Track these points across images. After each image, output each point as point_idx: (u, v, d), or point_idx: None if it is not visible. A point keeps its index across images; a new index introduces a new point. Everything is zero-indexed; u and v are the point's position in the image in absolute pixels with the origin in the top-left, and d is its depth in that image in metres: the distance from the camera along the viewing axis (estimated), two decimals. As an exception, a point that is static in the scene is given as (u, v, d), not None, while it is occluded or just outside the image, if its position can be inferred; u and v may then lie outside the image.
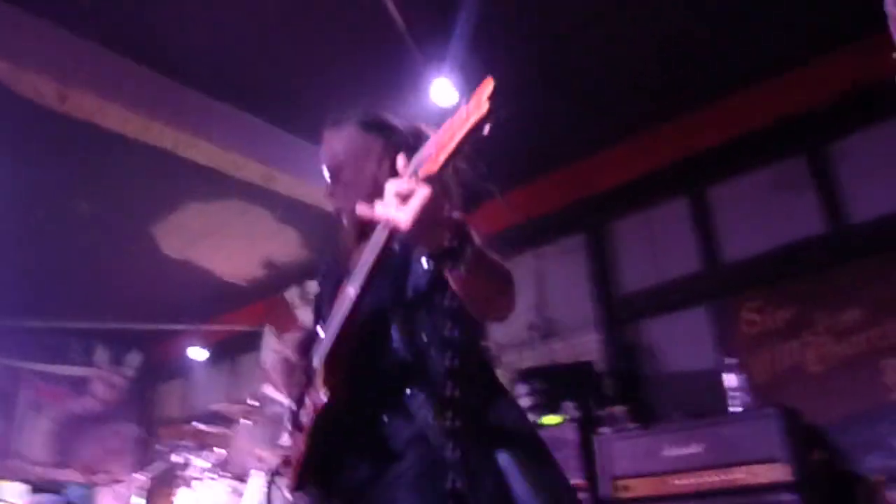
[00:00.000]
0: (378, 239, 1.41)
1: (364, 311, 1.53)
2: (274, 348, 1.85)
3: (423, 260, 1.48)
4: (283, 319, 6.71)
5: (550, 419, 4.06)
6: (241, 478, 4.70)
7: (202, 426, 5.19)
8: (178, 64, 4.30)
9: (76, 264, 6.63)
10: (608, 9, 4.07)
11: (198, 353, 7.80)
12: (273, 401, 4.48)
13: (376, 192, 1.36)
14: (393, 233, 1.35)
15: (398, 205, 1.26)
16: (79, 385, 8.81)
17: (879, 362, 3.82)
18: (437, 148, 1.27)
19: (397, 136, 1.80)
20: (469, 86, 4.16)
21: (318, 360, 1.59)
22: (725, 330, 4.53)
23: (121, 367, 9.13)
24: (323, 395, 1.52)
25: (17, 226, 5.89)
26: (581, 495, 3.67)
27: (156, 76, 4.33)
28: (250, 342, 7.31)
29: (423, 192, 1.25)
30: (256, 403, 4.84)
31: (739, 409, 3.59)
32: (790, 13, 4.08)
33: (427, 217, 1.25)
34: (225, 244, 6.42)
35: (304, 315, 1.75)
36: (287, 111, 4.76)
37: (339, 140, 1.89)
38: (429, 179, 1.27)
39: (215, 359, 7.75)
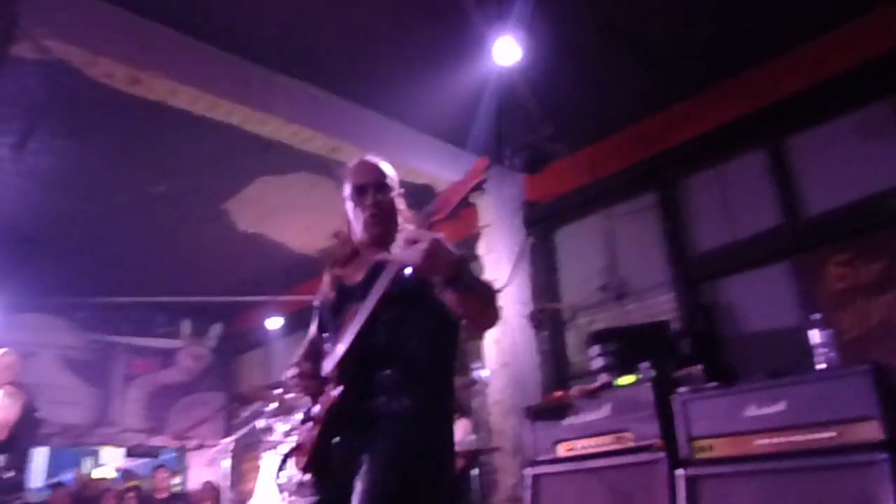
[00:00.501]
0: (389, 271, 1.82)
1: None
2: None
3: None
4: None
5: (624, 379, 4.01)
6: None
7: (282, 393, 5.35)
8: (243, 41, 4.36)
9: (158, 243, 6.92)
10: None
11: (275, 323, 8.05)
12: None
13: (387, 225, 2.05)
14: (404, 267, 1.76)
15: (410, 247, 1.68)
16: (167, 357, 9.26)
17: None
18: (444, 203, 1.80)
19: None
20: (534, 44, 4.10)
21: (331, 363, 1.97)
22: (809, 286, 4.35)
23: (204, 339, 9.53)
24: (335, 391, 1.92)
25: (102, 211, 6.21)
26: (658, 455, 3.62)
27: (222, 54, 4.41)
28: (324, 311, 7.47)
29: (430, 238, 1.67)
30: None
31: (825, 367, 3.45)
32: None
33: (432, 256, 1.66)
34: (296, 217, 6.56)
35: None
36: (350, 82, 4.78)
37: (386, 169, 2.17)
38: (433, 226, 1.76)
39: (291, 328, 7.97)
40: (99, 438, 8.75)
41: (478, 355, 5.62)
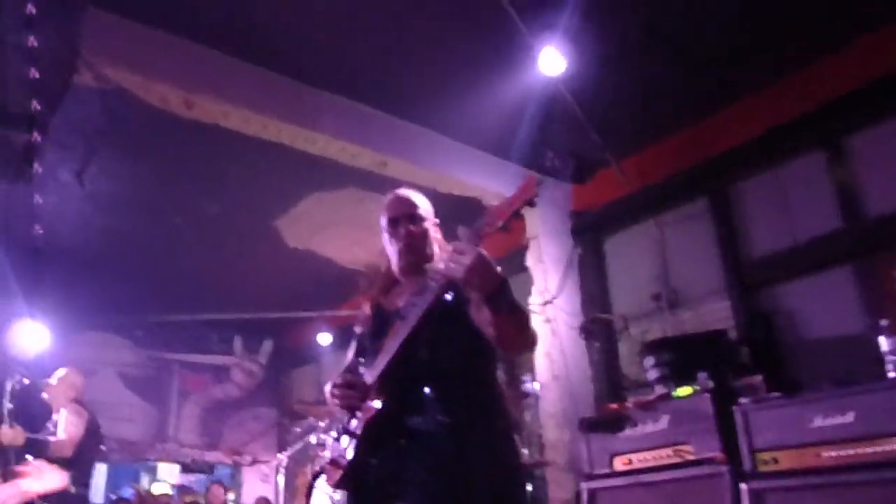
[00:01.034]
0: (432, 291, 1.89)
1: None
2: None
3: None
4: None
5: (682, 391, 3.92)
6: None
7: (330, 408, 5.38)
8: (290, 61, 4.45)
9: (211, 261, 7.08)
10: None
11: (325, 339, 8.12)
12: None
13: (421, 254, 2.14)
14: (450, 279, 1.82)
15: (458, 258, 1.75)
16: (220, 373, 9.42)
17: None
18: (495, 217, 1.83)
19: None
20: (579, 52, 4.07)
21: (371, 377, 2.01)
22: (874, 290, 4.19)
23: (255, 355, 9.66)
24: (377, 404, 1.96)
25: (159, 231, 6.39)
26: (720, 468, 3.52)
27: (270, 75, 4.50)
28: (374, 326, 7.51)
29: (476, 252, 1.75)
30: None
31: (896, 375, 3.31)
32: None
33: (475, 269, 1.73)
34: (344, 233, 6.62)
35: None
36: (396, 97, 4.83)
37: (418, 201, 2.25)
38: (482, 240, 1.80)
39: (341, 343, 8.03)
40: (156, 454, 8.94)
41: (528, 368, 5.57)
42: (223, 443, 9.08)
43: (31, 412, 4.98)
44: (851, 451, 3.15)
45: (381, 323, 2.13)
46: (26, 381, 4.83)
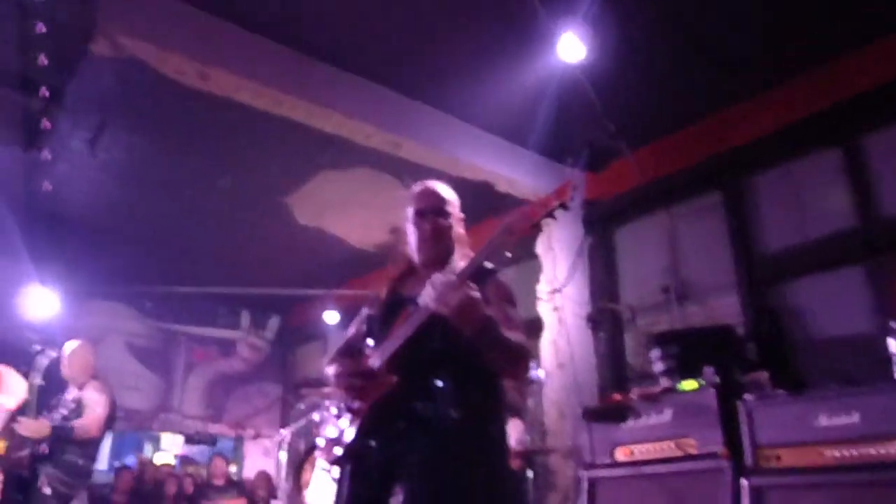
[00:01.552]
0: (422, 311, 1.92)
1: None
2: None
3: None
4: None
5: (687, 384, 3.91)
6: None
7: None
8: (306, 38, 4.42)
9: (222, 235, 7.09)
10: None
11: (332, 317, 8.14)
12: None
13: (444, 247, 2.16)
14: (434, 314, 1.86)
15: (445, 297, 1.81)
16: (227, 347, 9.48)
17: None
18: (525, 218, 1.84)
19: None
20: (598, 40, 4.03)
21: (380, 360, 2.02)
22: (886, 290, 4.16)
23: (262, 331, 9.72)
24: (386, 384, 1.97)
25: (170, 204, 6.40)
26: (722, 463, 3.52)
27: (286, 51, 4.48)
28: (380, 306, 7.52)
29: (463, 293, 1.80)
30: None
31: (903, 377, 3.29)
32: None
33: (462, 311, 1.80)
34: (354, 212, 6.61)
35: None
36: (412, 78, 4.80)
37: (447, 195, 2.27)
38: (517, 234, 1.85)
39: (348, 322, 8.02)
40: (160, 424, 9.02)
41: (534, 355, 5.58)
42: (227, 416, 9.16)
43: (54, 387, 4.95)
44: (855, 451, 3.14)
45: (393, 308, 2.14)
46: (54, 355, 4.78)
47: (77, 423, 4.47)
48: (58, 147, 4.81)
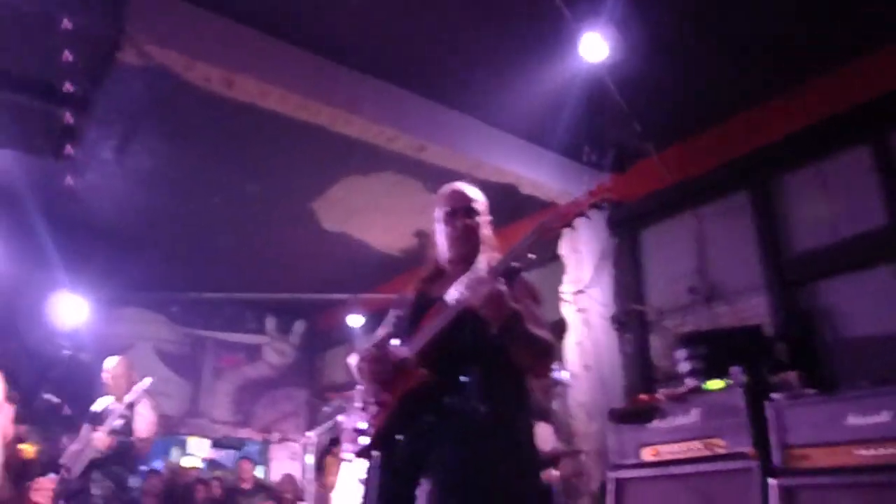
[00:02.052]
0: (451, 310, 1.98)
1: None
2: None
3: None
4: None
5: (714, 384, 3.87)
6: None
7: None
8: (330, 43, 4.46)
9: (248, 241, 7.17)
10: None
11: (357, 322, 8.17)
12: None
13: (472, 246, 2.19)
14: (465, 307, 1.92)
15: (476, 288, 1.88)
16: (253, 352, 9.56)
17: None
18: (561, 216, 1.92)
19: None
20: (622, 39, 4.01)
21: (410, 351, 2.05)
22: (918, 290, 4.09)
23: (287, 336, 9.79)
24: (414, 379, 1.99)
25: (198, 210, 6.48)
26: (751, 463, 3.47)
27: (310, 56, 4.51)
28: (405, 310, 7.54)
29: (492, 286, 1.87)
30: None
31: (937, 376, 3.23)
32: None
33: (491, 303, 1.86)
34: (380, 216, 6.65)
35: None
36: (434, 81, 4.81)
37: (476, 196, 2.30)
38: (551, 232, 1.93)
39: (373, 326, 8.05)
40: (189, 429, 9.11)
41: (559, 357, 5.55)
42: (255, 420, 9.23)
43: (73, 386, 5.10)
44: (886, 451, 3.09)
45: (421, 309, 2.16)
46: (66, 353, 4.96)
47: (136, 441, 4.78)
48: (86, 155, 4.90)
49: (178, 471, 8.75)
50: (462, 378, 1.97)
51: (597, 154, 5.28)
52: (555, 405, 5.77)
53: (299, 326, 9.84)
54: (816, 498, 3.21)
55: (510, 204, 5.19)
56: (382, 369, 2.10)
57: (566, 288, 5.56)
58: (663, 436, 3.92)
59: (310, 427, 7.58)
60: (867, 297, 4.32)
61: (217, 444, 9.48)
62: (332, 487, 6.26)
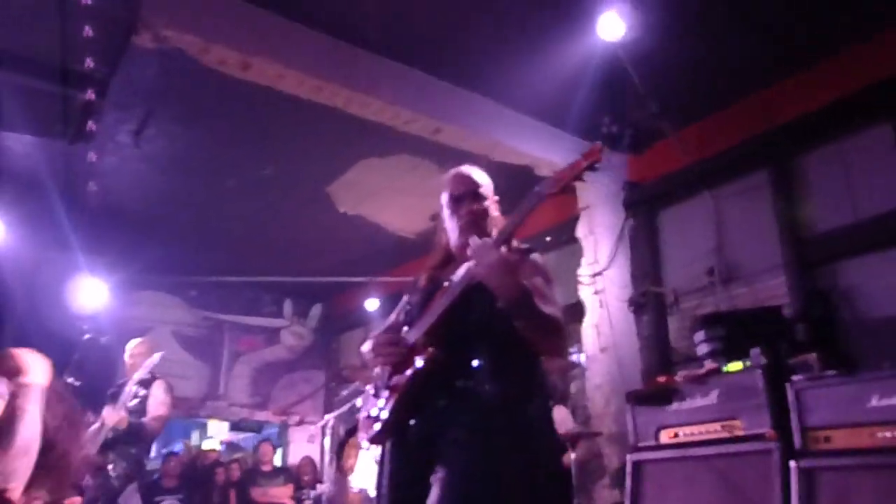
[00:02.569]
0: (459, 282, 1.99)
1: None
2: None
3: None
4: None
5: (733, 366, 3.85)
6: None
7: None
8: (346, 25, 4.44)
9: (265, 224, 7.19)
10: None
11: (373, 305, 8.21)
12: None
13: (480, 231, 2.09)
14: (472, 279, 1.93)
15: (479, 253, 1.90)
16: (271, 335, 9.63)
17: None
18: (557, 180, 1.90)
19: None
20: (639, 17, 3.96)
21: (416, 335, 2.04)
22: (941, 270, 4.03)
23: (304, 319, 9.85)
24: (422, 360, 1.97)
25: (215, 193, 6.50)
26: (770, 445, 3.46)
27: (326, 38, 4.50)
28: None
29: (503, 259, 1.89)
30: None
31: (961, 358, 3.19)
32: None
33: (501, 275, 1.87)
34: (395, 199, 6.65)
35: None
36: (451, 63, 4.78)
37: (481, 179, 2.27)
38: (548, 197, 1.91)
39: (389, 309, 8.07)
40: (208, 412, 9.22)
41: (576, 339, 5.55)
42: (272, 403, 9.31)
43: (92, 366, 5.16)
44: (909, 433, 3.05)
45: (431, 294, 2.15)
46: (87, 336, 5.02)
47: (147, 421, 4.81)
48: (103, 139, 4.92)
49: (197, 453, 8.87)
50: (473, 359, 1.96)
51: (615, 134, 5.23)
52: (572, 388, 5.78)
53: (316, 310, 9.89)
54: (837, 479, 3.19)
55: (526, 186, 5.14)
56: (393, 354, 2.10)
57: (583, 270, 5.54)
58: (682, 418, 3.91)
59: (328, 410, 7.64)
60: (888, 277, 4.27)
61: (235, 426, 9.59)
62: (350, 471, 6.32)
